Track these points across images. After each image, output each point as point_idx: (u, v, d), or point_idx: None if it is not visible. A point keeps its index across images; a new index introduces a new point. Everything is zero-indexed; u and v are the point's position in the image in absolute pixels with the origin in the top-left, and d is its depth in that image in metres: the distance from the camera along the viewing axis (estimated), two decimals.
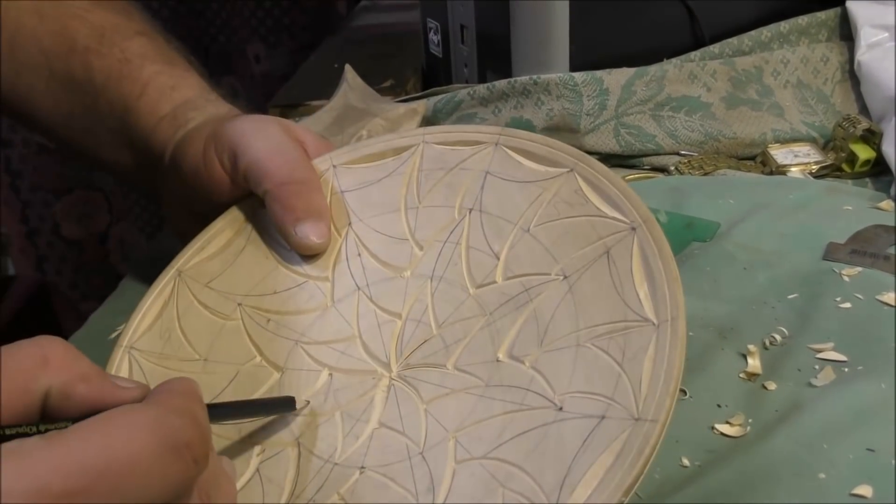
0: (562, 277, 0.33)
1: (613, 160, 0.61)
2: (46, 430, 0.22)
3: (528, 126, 0.60)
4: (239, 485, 0.31)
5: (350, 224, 0.38)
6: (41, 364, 0.23)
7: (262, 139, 0.39)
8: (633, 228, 0.32)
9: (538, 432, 0.29)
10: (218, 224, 0.40)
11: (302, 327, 0.36)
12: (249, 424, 0.33)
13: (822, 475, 0.31)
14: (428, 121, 0.64)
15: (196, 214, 0.42)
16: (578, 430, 0.28)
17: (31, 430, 0.22)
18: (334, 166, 0.40)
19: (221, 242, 0.39)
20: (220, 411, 0.29)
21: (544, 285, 0.33)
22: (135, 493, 0.21)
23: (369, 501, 0.29)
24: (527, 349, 0.31)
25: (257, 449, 0.32)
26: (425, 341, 0.33)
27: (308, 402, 0.33)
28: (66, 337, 0.43)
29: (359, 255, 0.37)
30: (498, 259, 0.34)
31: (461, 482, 0.29)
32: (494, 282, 0.34)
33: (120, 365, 0.36)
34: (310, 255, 0.37)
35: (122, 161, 0.48)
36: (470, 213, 0.36)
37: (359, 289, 0.36)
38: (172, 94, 0.46)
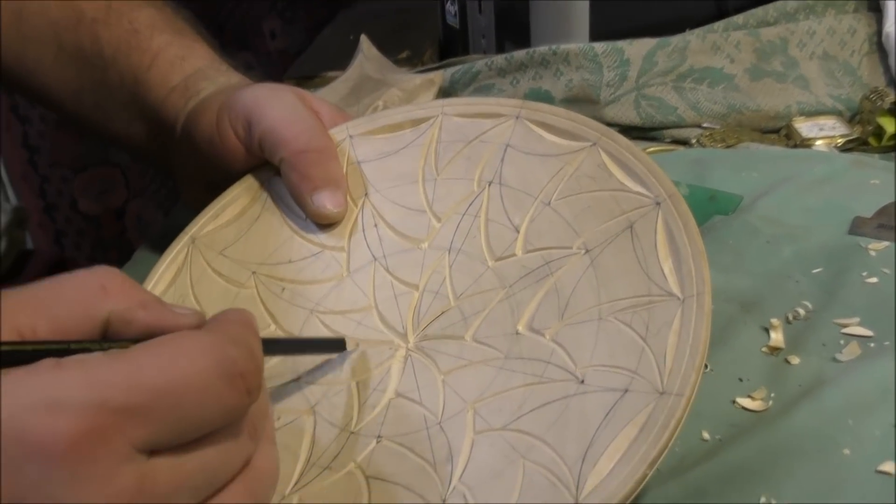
0: (584, 251, 0.32)
1: (634, 132, 0.59)
2: (109, 348, 0.22)
3: (546, 97, 0.59)
4: None
5: (367, 195, 0.38)
6: (100, 291, 0.24)
7: (278, 107, 0.39)
8: (658, 203, 0.32)
9: (559, 405, 0.28)
10: (233, 191, 0.39)
11: (317, 297, 0.35)
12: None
13: (847, 451, 0.31)
14: (445, 92, 0.63)
15: (209, 185, 0.41)
16: (601, 403, 0.28)
17: (94, 346, 0.22)
18: (351, 136, 0.39)
19: (236, 210, 0.39)
20: (274, 347, 0.30)
21: (565, 259, 0.32)
22: (189, 416, 0.22)
23: (386, 470, 0.29)
24: (547, 322, 0.31)
25: (273, 416, 0.32)
26: (443, 313, 0.33)
27: (359, 343, 0.33)
28: None
29: (375, 225, 0.37)
30: (518, 232, 0.34)
31: (480, 453, 0.28)
32: (514, 255, 0.33)
33: None
34: (326, 225, 0.37)
35: (133, 134, 0.48)
36: (489, 185, 0.35)
37: (375, 259, 0.36)
38: (182, 64, 0.45)
